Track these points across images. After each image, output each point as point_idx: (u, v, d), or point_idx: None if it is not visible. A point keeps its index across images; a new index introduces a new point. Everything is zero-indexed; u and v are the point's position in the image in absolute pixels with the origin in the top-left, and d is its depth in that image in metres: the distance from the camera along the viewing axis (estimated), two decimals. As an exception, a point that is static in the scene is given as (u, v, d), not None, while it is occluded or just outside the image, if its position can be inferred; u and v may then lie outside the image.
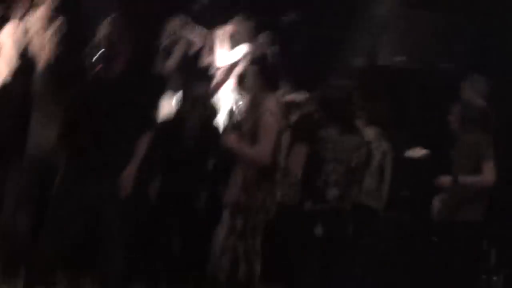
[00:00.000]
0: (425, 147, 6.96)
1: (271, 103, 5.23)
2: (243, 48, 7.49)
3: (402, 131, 6.97)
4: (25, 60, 6.31)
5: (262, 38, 7.58)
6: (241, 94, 6.37)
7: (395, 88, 7.37)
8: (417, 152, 6.75)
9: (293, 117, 6.08)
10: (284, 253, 5.85)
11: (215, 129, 6.14)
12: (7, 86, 6.06)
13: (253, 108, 5.29)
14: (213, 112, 6.22)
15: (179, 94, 6.64)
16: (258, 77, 5.28)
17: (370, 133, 6.14)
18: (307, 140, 5.53)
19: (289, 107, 6.25)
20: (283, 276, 5.69)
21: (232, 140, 5.24)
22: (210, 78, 7.35)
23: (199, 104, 6.08)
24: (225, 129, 5.89)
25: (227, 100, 7.08)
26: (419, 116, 7.70)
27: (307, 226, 5.51)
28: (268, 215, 5.23)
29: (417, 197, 6.66)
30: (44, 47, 6.98)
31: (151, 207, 5.88)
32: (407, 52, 7.86)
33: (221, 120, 6.50)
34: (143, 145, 4.91)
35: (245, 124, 5.29)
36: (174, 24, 7.48)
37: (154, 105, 5.48)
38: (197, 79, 6.82)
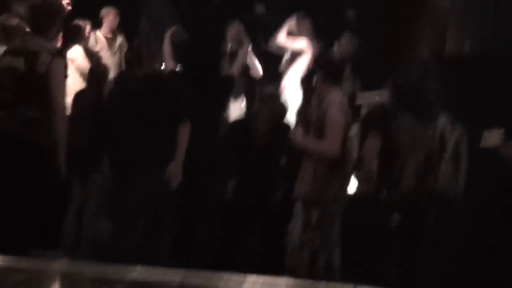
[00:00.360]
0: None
1: (336, 97, 5.24)
2: (304, 42, 7.54)
3: (475, 117, 6.83)
4: (95, 72, 6.51)
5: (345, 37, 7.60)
6: (306, 91, 6.39)
7: (466, 74, 7.24)
8: (493, 137, 6.61)
9: (365, 109, 6.06)
10: (361, 244, 5.81)
11: (286, 125, 6.16)
12: (82, 94, 6.23)
13: (319, 103, 5.31)
14: (282, 109, 6.25)
15: (248, 94, 6.71)
16: (322, 73, 5.30)
17: (444, 120, 6.05)
18: (381, 130, 5.49)
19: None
20: (361, 267, 5.64)
21: (299, 136, 5.27)
22: (276, 76, 7.40)
23: (269, 102, 6.11)
24: (293, 125, 5.89)
25: (295, 97, 7.11)
26: (492, 101, 7.54)
27: (383, 216, 5.46)
28: (342, 207, 5.22)
29: (495, 182, 6.50)
30: (109, 62, 7.22)
31: (228, 205, 5.93)
32: (474, 37, 7.72)
33: (290, 117, 6.53)
34: (184, 135, 4.98)
35: (311, 119, 5.30)
36: (235, 29, 7.57)
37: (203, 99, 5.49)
38: (264, 79, 6.88)
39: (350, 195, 5.52)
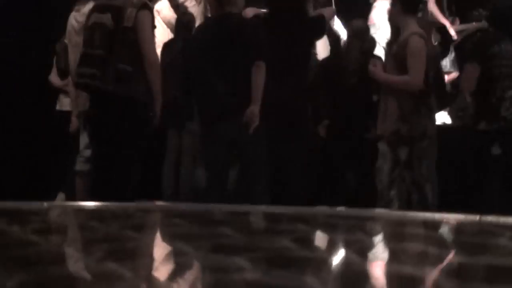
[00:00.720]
0: None
1: (415, 28, 5.12)
2: None
3: None
4: (182, 22, 6.54)
5: None
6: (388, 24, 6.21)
7: None
8: None
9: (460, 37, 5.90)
10: (462, 176, 5.72)
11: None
12: (171, 44, 6.28)
13: (398, 36, 5.19)
14: (372, 44, 6.14)
15: (337, 31, 6.63)
16: (399, 5, 5.16)
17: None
18: (479, 57, 5.33)
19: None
20: (462, 198, 5.56)
21: (379, 71, 5.15)
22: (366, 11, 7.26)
23: (358, 38, 6.01)
24: (371, 61, 5.71)
25: (384, 31, 6.98)
26: None
27: (484, 146, 5.34)
28: (432, 141, 5.11)
29: None
30: (194, 11, 7.21)
31: (322, 144, 5.92)
32: None
33: (380, 52, 6.42)
34: (259, 77, 4.88)
35: (392, 52, 5.18)
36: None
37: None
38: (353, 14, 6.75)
39: (447, 127, 5.41)
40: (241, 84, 4.84)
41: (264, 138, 4.95)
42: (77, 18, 5.57)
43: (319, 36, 5.98)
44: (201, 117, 5.18)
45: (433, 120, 5.29)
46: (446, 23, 7.40)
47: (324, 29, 5.83)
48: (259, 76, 4.86)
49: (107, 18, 4.83)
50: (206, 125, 5.07)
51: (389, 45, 5.49)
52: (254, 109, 4.84)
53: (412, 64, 4.99)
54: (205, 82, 5.00)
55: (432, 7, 7.45)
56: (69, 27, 5.68)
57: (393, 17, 5.25)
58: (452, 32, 7.33)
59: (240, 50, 4.85)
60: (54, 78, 6.54)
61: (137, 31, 4.77)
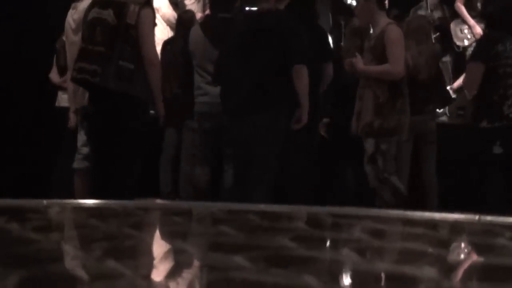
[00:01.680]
0: None
1: (386, 19, 5.18)
2: None
3: None
4: (181, 21, 6.54)
5: None
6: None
7: None
8: None
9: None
10: (463, 175, 5.72)
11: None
12: (172, 42, 6.28)
13: (373, 30, 5.23)
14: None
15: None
16: (373, 1, 5.18)
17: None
18: (483, 56, 5.34)
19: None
20: (462, 197, 5.56)
21: (359, 63, 5.14)
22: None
23: (357, 35, 6.02)
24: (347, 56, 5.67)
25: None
26: None
27: (485, 145, 5.34)
28: (403, 136, 5.11)
29: None
30: (193, 8, 7.22)
31: (321, 142, 5.93)
32: None
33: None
34: (302, 79, 4.76)
35: (370, 45, 5.19)
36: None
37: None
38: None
39: (448, 125, 5.40)
40: (265, 83, 4.75)
41: (279, 142, 4.86)
42: (73, 16, 5.56)
43: (325, 36, 6.00)
44: (223, 111, 5.11)
45: (407, 112, 5.24)
46: (471, 22, 7.39)
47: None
48: (300, 79, 4.74)
49: (108, 14, 4.81)
50: (226, 119, 5.04)
51: (368, 40, 5.47)
52: (302, 113, 4.77)
53: (391, 53, 5.01)
54: (231, 75, 4.93)
55: (459, 5, 7.42)
56: (66, 25, 5.68)
57: (368, 13, 5.24)
58: (478, 30, 7.30)
59: (274, 49, 4.76)
60: (54, 76, 6.54)
61: (139, 29, 4.76)
